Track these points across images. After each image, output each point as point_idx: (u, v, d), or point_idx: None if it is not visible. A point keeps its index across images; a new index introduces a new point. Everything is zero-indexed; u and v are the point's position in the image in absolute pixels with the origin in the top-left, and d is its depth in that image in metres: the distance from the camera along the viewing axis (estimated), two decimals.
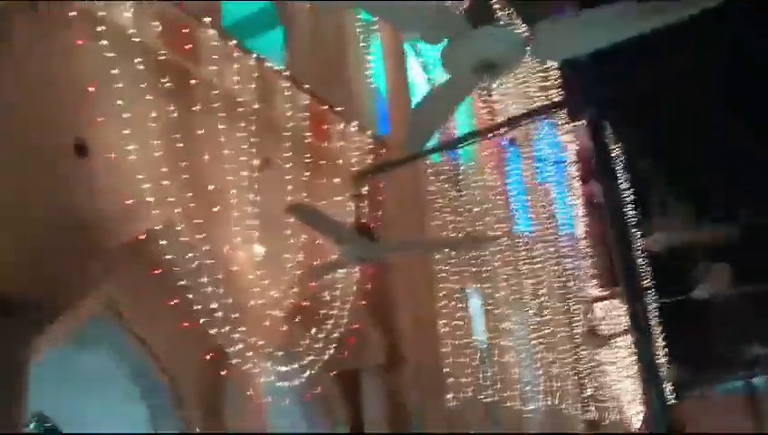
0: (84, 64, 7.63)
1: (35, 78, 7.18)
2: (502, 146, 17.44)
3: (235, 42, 9.65)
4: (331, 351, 10.20)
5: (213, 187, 8.74)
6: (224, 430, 8.71)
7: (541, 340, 16.77)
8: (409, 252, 9.91)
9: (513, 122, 10.60)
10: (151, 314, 8.38)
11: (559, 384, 16.91)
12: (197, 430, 8.67)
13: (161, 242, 8.07)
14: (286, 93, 10.49)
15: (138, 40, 8.17)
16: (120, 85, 7.85)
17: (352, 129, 11.84)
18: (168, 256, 8.09)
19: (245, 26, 12.84)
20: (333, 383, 11.38)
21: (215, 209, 8.67)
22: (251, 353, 8.75)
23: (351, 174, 9.43)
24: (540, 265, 17.65)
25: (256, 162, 9.50)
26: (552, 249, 18.58)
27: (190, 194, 8.40)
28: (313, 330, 9.83)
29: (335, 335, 10.36)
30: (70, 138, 7.38)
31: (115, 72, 7.82)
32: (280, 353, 9.13)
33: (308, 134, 10.77)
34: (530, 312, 16.52)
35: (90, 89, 7.57)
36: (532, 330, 16.58)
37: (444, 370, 12.41)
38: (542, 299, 17.29)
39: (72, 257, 7.15)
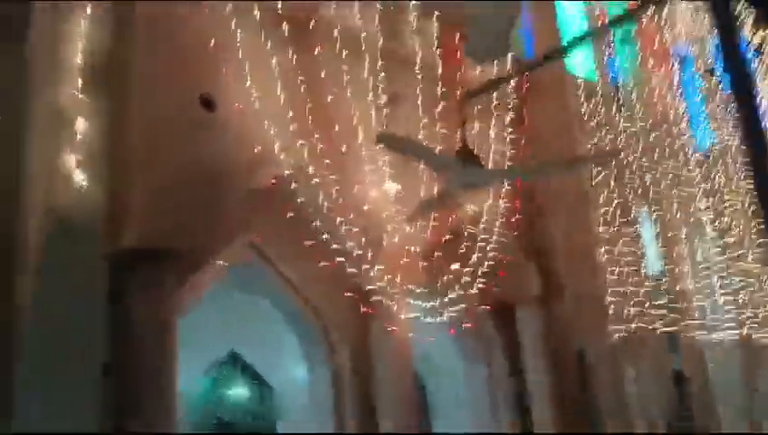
0: (204, 22, 7.90)
1: (161, 39, 7.55)
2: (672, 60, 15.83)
3: None
4: (479, 285, 10.01)
5: (339, 127, 8.76)
6: (371, 371, 8.92)
7: (727, 264, 15.30)
8: (532, 175, 9.21)
9: None
10: (294, 257, 8.70)
11: (751, 312, 15.39)
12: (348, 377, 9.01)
13: (293, 185, 8.27)
14: (413, 26, 10.21)
15: None
16: (240, 39, 8.05)
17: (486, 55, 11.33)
18: (300, 199, 8.28)
19: None
20: (488, 318, 11.25)
21: (343, 149, 8.71)
22: (390, 290, 8.81)
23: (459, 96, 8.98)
24: (724, 182, 15.98)
25: (384, 98, 9.38)
26: (737, 164, 16.73)
27: (317, 136, 8.50)
28: (456, 265, 9.65)
29: (483, 269, 10.15)
30: (195, 93, 7.71)
31: (234, 27, 8.02)
32: (420, 290, 9.08)
33: (439, 65, 10.43)
34: (710, 234, 15.09)
35: (211, 44, 7.82)
36: (715, 253, 15.16)
37: (607, 299, 11.72)
38: (727, 219, 15.69)
39: (208, 207, 7.54)
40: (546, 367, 11.11)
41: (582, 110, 12.57)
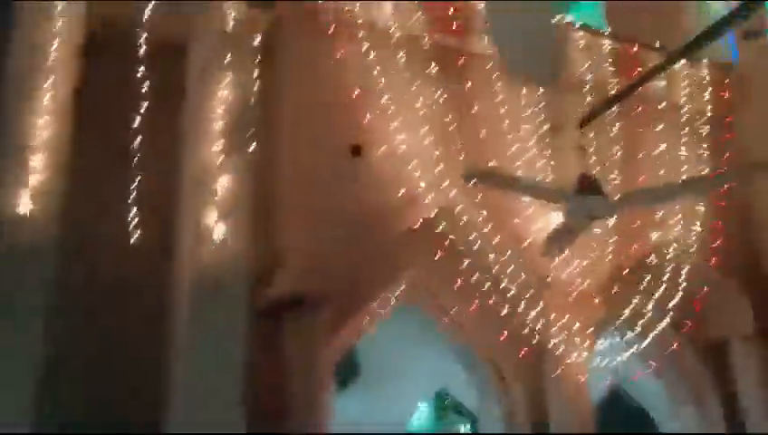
0: (350, 69, 8.12)
1: (309, 89, 7.88)
2: None
3: None
4: (668, 320, 9.02)
5: (496, 161, 8.46)
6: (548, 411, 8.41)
7: None
8: (662, 201, 8.03)
9: None
10: (456, 297, 8.53)
11: None
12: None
13: (442, 224, 8.14)
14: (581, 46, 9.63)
15: (398, 34, 8.37)
16: (384, 82, 8.15)
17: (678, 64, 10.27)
18: (451, 237, 8.12)
19: None
20: (694, 356, 10.06)
21: None
22: (554, 330, 8.27)
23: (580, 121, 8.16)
24: None
25: (546, 127, 8.92)
26: None
27: None
28: (635, 300, 8.78)
29: (673, 303, 9.13)
30: (345, 140, 7.93)
31: (378, 71, 8.14)
32: (590, 329, 8.38)
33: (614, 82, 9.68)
34: None
35: (356, 91, 8.01)
36: None
37: None
38: None
39: (357, 252, 7.68)
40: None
41: None
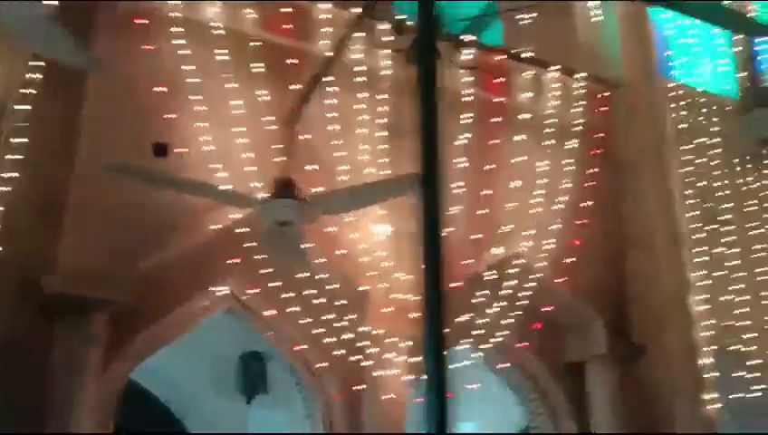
0: (162, 67, 7.88)
1: (116, 86, 7.64)
2: None
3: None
4: (502, 338, 8.74)
5: (316, 166, 8.18)
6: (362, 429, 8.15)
7: None
8: (360, 203, 7.08)
9: None
10: (271, 305, 8.27)
11: None
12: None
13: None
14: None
15: (220, 32, 8.14)
16: (201, 81, 7.92)
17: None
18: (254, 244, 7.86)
19: None
20: (548, 376, 9.78)
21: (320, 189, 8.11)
22: (370, 343, 8.00)
23: None
24: None
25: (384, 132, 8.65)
26: None
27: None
28: (466, 316, 8.48)
29: (507, 320, 8.84)
30: (149, 139, 7.67)
31: (194, 69, 7.91)
32: (408, 343, 8.09)
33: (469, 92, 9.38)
34: None
35: (163, 90, 7.76)
36: None
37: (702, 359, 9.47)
38: None
39: (157, 257, 7.45)
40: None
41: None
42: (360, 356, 8.08)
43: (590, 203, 9.83)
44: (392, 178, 6.62)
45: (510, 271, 9.01)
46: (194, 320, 8.04)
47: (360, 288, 8.10)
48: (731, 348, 9.89)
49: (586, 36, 11.30)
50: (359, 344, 8.07)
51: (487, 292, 8.75)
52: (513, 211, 9.21)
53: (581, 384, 9.81)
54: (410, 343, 8.11)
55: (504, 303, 8.89)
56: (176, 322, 7.84)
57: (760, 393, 10.00)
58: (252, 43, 8.33)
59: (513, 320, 8.86)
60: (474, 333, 8.61)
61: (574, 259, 9.41)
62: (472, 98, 9.36)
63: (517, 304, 8.92)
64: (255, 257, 7.75)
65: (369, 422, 8.10)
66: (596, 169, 10.08)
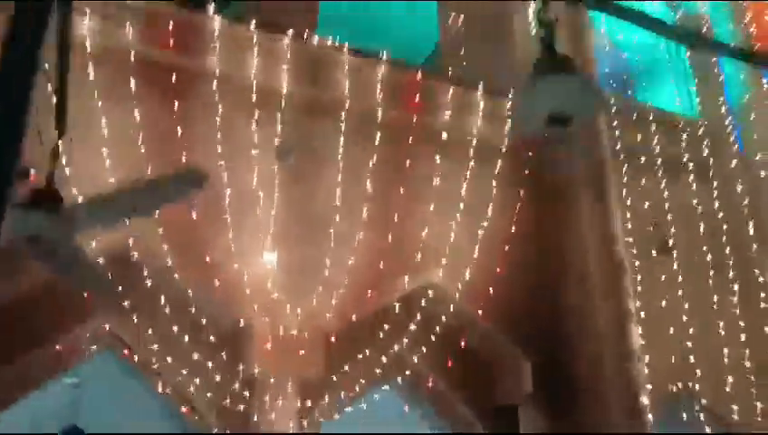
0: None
1: None
2: None
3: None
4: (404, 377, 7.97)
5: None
6: None
7: None
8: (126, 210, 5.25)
9: None
10: (153, 340, 7.55)
11: None
12: None
13: (134, 257, 7.21)
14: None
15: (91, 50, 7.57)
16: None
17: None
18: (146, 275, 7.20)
19: None
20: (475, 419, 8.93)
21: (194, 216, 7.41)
22: (257, 383, 7.25)
23: None
24: None
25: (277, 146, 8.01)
26: None
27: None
28: (363, 354, 7.72)
29: (417, 354, 8.07)
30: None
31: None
32: (300, 384, 7.33)
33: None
34: None
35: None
36: None
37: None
38: None
39: (26, 286, 6.82)
40: None
41: None
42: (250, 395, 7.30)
43: (515, 229, 9.05)
44: (167, 175, 5.04)
45: (423, 303, 8.23)
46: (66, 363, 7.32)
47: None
48: (675, 389, 9.02)
49: (525, 54, 10.67)
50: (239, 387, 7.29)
51: (390, 326, 7.98)
52: (428, 238, 8.48)
53: (516, 428, 8.96)
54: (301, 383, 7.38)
55: (415, 336, 8.11)
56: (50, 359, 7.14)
57: None
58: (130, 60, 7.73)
59: (423, 354, 8.05)
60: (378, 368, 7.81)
61: (496, 290, 8.63)
62: (383, 116, 8.71)
63: (431, 337, 8.13)
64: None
65: None
66: (524, 192, 9.33)
